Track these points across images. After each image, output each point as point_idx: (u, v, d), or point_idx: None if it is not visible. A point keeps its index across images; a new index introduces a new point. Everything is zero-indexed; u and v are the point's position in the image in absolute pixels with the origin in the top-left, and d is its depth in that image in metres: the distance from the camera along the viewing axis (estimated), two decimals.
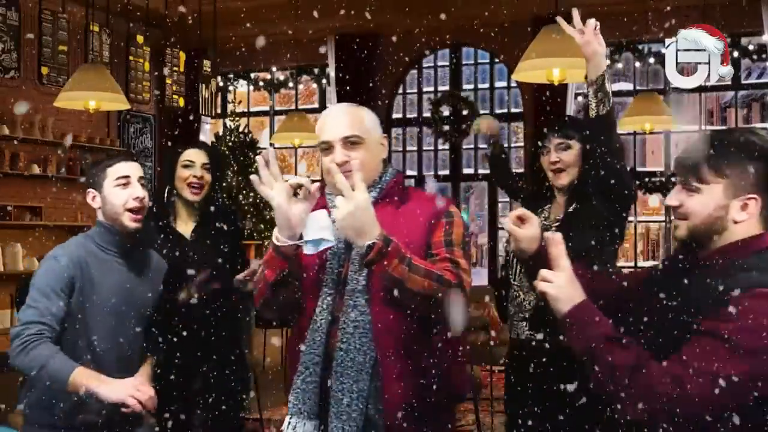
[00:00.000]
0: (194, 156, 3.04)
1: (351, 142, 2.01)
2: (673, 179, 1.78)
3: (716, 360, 1.49)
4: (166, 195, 3.08)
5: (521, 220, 1.94)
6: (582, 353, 1.62)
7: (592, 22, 2.46)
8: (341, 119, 2.05)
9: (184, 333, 2.88)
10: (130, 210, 2.37)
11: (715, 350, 1.50)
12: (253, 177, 1.92)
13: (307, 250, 1.92)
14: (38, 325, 2.22)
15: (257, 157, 1.91)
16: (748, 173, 1.61)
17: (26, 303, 2.29)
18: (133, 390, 2.21)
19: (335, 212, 1.85)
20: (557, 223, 2.83)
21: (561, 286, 1.66)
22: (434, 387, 2.02)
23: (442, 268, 1.95)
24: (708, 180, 1.63)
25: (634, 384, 1.54)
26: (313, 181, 1.97)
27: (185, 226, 3.07)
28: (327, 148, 2.03)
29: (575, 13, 2.47)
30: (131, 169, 2.40)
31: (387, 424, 1.98)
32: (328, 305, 2.02)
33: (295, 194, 1.90)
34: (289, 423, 2.04)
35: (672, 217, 1.74)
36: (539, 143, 2.95)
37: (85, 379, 2.18)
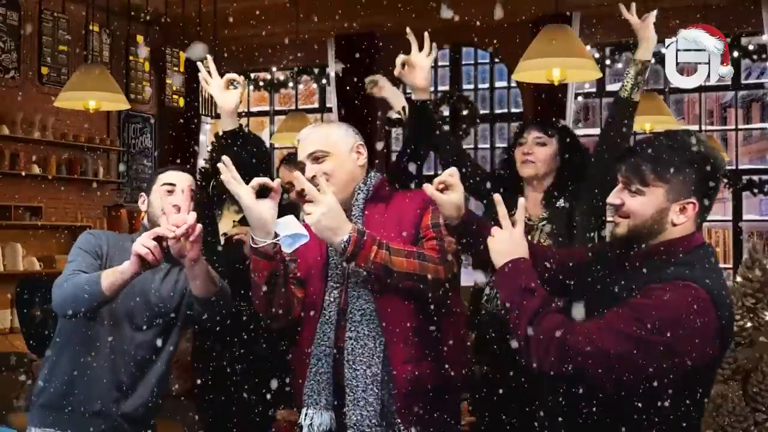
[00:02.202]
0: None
1: (316, 157, 2.17)
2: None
3: (623, 323, 1.61)
4: (210, 189, 3.08)
5: (445, 186, 2.00)
6: (503, 303, 1.77)
7: (654, 12, 2.64)
8: (307, 139, 2.22)
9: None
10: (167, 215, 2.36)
11: (626, 317, 1.62)
12: (223, 178, 2.01)
13: (285, 247, 2.00)
14: (77, 272, 2.24)
15: (219, 165, 2.00)
16: (689, 179, 1.71)
17: (66, 266, 2.31)
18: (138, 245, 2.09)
19: (308, 218, 1.97)
20: (543, 222, 2.84)
21: (500, 241, 1.82)
22: (442, 370, 2.11)
23: (428, 246, 2.09)
24: (651, 183, 1.72)
25: (535, 328, 1.66)
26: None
27: (228, 221, 3.08)
28: (303, 167, 2.19)
29: (633, 6, 2.66)
30: (179, 178, 2.45)
31: (398, 408, 2.05)
32: (335, 298, 2.13)
33: (260, 195, 2.00)
34: (306, 415, 2.13)
35: (611, 214, 1.83)
36: (517, 135, 2.96)
37: (110, 274, 2.15)
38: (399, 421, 2.05)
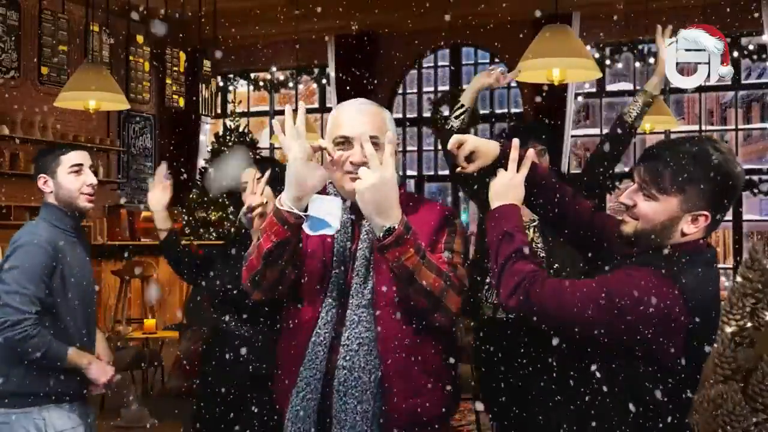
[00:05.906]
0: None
1: (374, 144, 1.81)
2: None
3: (585, 287, 1.66)
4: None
5: (467, 159, 2.00)
6: (488, 246, 1.83)
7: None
8: (366, 118, 1.93)
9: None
10: (85, 194, 2.65)
11: (594, 283, 1.66)
12: (274, 122, 1.84)
13: (307, 228, 1.80)
14: (33, 316, 2.42)
15: (287, 106, 1.79)
16: (707, 191, 1.67)
17: (9, 286, 2.43)
18: (108, 376, 2.59)
19: (357, 183, 1.73)
20: (534, 222, 2.91)
21: (499, 182, 1.88)
22: (436, 405, 1.95)
23: None
24: (667, 191, 1.68)
25: (507, 270, 1.73)
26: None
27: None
28: (343, 142, 1.91)
29: (666, 32, 2.62)
30: (83, 157, 2.66)
31: None
32: (332, 318, 1.91)
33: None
34: None
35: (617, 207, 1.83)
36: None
37: (77, 358, 2.52)
38: None
